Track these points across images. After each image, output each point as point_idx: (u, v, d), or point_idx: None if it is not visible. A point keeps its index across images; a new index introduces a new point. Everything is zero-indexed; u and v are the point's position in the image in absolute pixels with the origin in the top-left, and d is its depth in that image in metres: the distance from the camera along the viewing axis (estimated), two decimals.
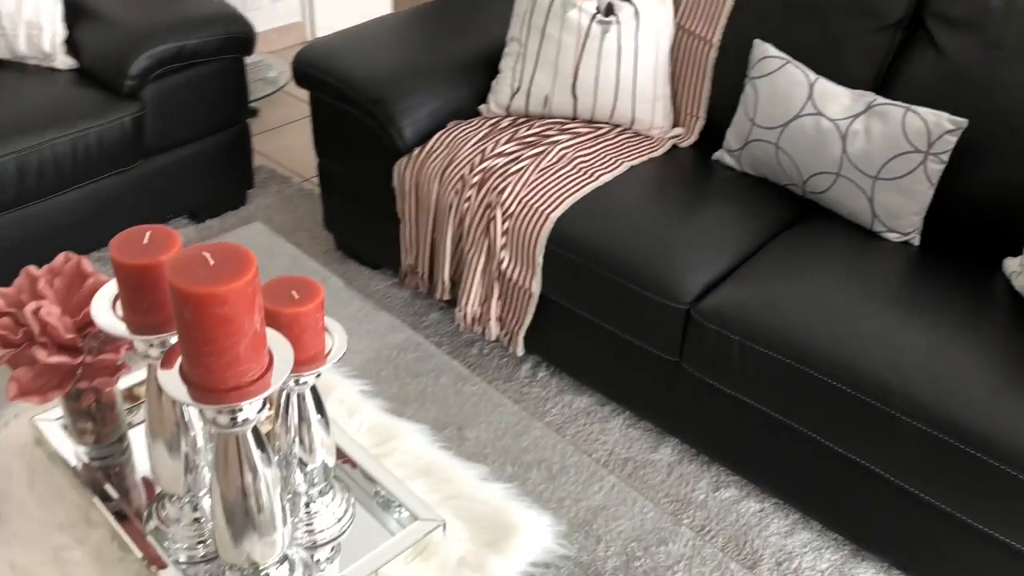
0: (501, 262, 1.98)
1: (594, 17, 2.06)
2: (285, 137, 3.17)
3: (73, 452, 1.25)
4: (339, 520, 1.22)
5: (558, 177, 1.98)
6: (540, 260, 1.93)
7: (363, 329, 2.27)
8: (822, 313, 1.66)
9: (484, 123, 2.15)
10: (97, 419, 1.23)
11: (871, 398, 1.56)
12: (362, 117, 2.16)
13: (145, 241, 0.99)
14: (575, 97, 2.12)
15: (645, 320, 1.82)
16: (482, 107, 2.22)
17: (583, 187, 1.96)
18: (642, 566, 1.72)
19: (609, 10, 2.08)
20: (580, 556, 1.43)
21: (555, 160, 2.03)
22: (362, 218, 2.36)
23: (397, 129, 2.11)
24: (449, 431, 2.00)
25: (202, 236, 2.62)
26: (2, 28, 2.24)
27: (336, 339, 1.11)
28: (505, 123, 2.16)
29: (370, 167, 2.21)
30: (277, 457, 1.14)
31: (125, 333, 1.01)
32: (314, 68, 2.20)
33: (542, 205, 1.92)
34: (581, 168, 2.02)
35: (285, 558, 1.09)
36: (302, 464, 1.16)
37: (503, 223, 1.95)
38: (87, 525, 1.18)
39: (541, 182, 1.97)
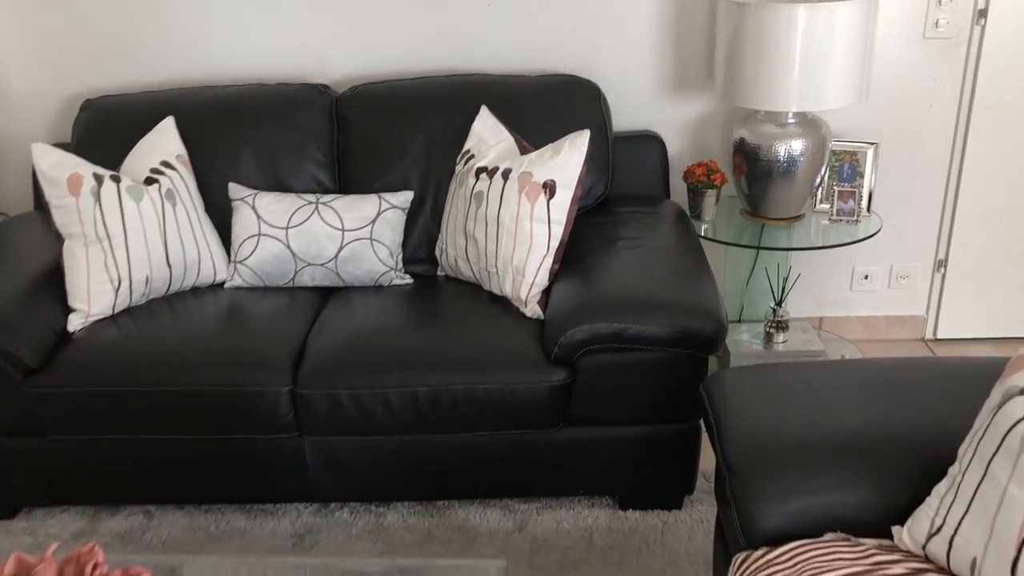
0: None
1: None
2: None
3: None
4: None
5: None
6: None
7: None
8: None
9: (868, 552, 1.46)
10: None
11: None
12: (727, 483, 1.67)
13: None
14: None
15: None
16: (895, 530, 1.52)
17: None
18: None
19: None
20: None
21: None
22: None
23: (748, 517, 1.57)
24: None
25: (612, 526, 2.35)
26: (496, 267, 2.37)
27: None
28: (898, 571, 1.43)
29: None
30: None
31: None
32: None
33: None
34: None
35: None
36: None
37: None
38: None
39: None
